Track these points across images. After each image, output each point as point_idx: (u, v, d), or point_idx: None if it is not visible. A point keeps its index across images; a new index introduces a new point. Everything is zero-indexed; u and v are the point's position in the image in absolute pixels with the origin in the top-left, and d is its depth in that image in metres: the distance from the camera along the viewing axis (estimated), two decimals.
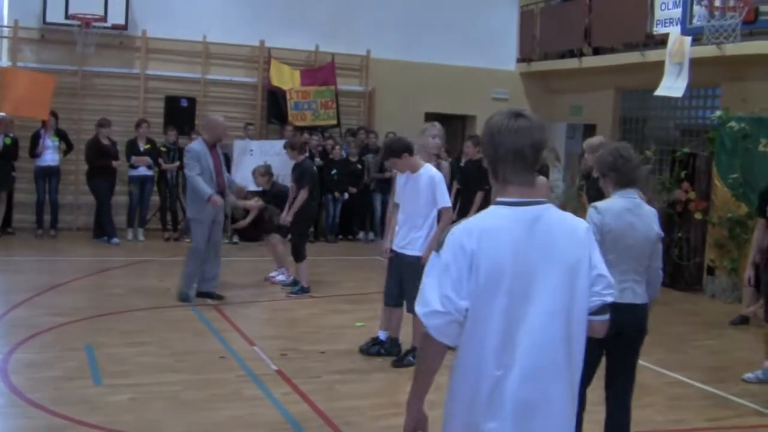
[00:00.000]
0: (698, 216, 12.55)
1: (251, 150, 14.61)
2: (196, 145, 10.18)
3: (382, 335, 8.21)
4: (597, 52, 16.21)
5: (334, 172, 15.68)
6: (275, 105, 16.24)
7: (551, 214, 3.06)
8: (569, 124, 18.06)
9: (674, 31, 13.15)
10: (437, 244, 3.02)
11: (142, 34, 15.58)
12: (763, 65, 12.35)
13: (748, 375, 7.97)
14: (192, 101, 15.70)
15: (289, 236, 11.19)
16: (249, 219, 13.67)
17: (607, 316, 3.18)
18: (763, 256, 8.44)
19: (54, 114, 14.20)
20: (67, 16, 14.62)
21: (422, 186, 7.68)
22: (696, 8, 12.64)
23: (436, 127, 8.86)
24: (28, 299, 9.70)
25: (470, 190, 11.31)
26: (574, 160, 16.47)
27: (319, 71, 16.56)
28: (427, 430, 3.20)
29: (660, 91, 13.13)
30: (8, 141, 13.87)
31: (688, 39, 12.72)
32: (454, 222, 3.38)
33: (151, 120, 15.03)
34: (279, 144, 14.37)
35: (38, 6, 14.73)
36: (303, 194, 10.70)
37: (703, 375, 8.08)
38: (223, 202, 10.16)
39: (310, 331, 9.12)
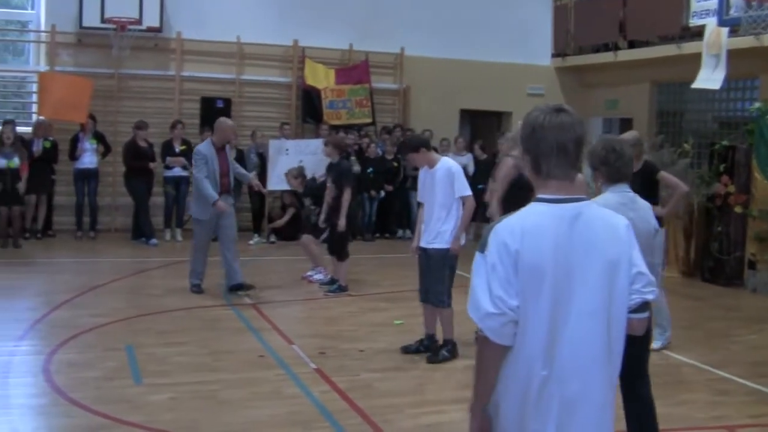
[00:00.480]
0: (738, 209, 12.41)
1: (287, 149, 14.66)
2: (203, 147, 10.44)
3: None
4: (632, 45, 16.06)
5: (370, 170, 15.70)
6: (310, 104, 16.27)
7: (591, 211, 3.05)
8: (605, 119, 17.91)
9: (711, 23, 12.99)
10: (479, 245, 3.00)
11: (176, 36, 15.69)
12: None
13: None
14: (227, 102, 15.79)
15: (322, 236, 11.21)
16: (286, 218, 13.76)
17: (647, 314, 3.16)
18: None
19: (92, 117, 14.36)
20: (102, 20, 14.75)
21: (439, 179, 7.77)
22: None
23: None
24: (69, 300, 9.82)
25: None
26: None
27: (354, 70, 16.58)
28: None
29: (697, 84, 12.98)
30: (48, 144, 14.04)
31: (725, 30, 12.56)
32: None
33: (187, 121, 15.15)
34: (314, 143, 14.40)
35: (75, 10, 14.87)
36: (347, 195, 10.68)
37: (744, 370, 7.97)
38: (229, 207, 10.37)
39: (348, 329, 9.14)
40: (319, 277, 11.48)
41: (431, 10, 17.00)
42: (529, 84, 17.67)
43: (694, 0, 13.92)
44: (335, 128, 15.64)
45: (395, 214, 16.38)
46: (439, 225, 7.75)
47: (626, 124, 16.78)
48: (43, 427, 6.14)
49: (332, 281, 11.07)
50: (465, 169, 15.02)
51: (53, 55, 15.12)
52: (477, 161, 15.95)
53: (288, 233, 14.49)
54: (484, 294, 2.92)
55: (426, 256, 7.91)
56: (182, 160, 14.47)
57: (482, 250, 2.97)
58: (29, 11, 15.95)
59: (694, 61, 13.01)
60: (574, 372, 2.94)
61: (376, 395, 6.88)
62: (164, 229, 14.79)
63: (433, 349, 8.01)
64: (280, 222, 14.36)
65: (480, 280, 2.95)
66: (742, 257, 12.59)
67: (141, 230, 14.39)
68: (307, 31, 16.18)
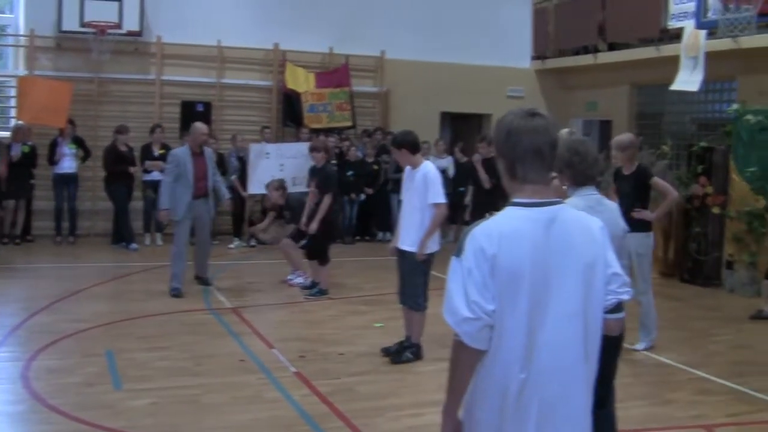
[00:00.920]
0: (716, 210, 12.49)
1: (267, 153, 14.63)
2: (178, 150, 10.94)
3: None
4: (612, 47, 16.14)
5: (350, 173, 15.69)
6: (290, 108, 16.27)
7: (567, 214, 3.06)
8: (585, 121, 18.00)
9: (689, 25, 13.07)
10: (456, 249, 3.00)
11: (156, 40, 15.65)
12: None
13: None
14: (208, 106, 15.78)
15: (302, 241, 11.21)
16: (267, 222, 13.72)
17: (622, 314, 3.19)
18: None
19: (71, 121, 14.30)
20: (82, 24, 14.71)
21: (418, 182, 7.77)
22: (710, 1, 12.54)
23: (613, 140, 8.36)
24: (49, 306, 9.77)
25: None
26: None
27: (334, 73, 16.59)
28: None
29: (676, 86, 13.07)
30: (26, 149, 13.98)
31: (703, 32, 12.64)
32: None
33: (168, 125, 15.11)
34: (295, 147, 14.40)
35: (54, 14, 14.82)
36: (327, 200, 10.68)
37: (723, 370, 8.04)
38: (167, 220, 10.95)
39: (328, 332, 9.14)
40: (299, 280, 11.48)
41: (411, 12, 17.04)
42: (509, 86, 17.75)
43: (673, 3, 14.00)
44: (316, 132, 15.63)
45: (376, 216, 16.39)
46: (413, 229, 7.76)
47: (606, 126, 16.89)
48: None
49: (313, 284, 11.07)
50: (445, 171, 15.21)
51: (32, 60, 15.06)
52: (458, 164, 15.98)
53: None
54: (460, 298, 2.92)
55: (402, 257, 7.95)
56: (161, 164, 14.34)
57: (458, 254, 2.97)
58: (8, 15, 15.87)
59: (673, 63, 13.10)
60: (552, 374, 2.95)
61: (356, 398, 6.89)
62: (144, 233, 14.74)
63: (399, 350, 8.05)
64: (261, 226, 14.32)
65: (456, 284, 2.95)
66: (720, 258, 12.67)
67: (121, 235, 14.34)
68: (288, 35, 16.19)
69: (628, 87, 16.16)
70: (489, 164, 11.12)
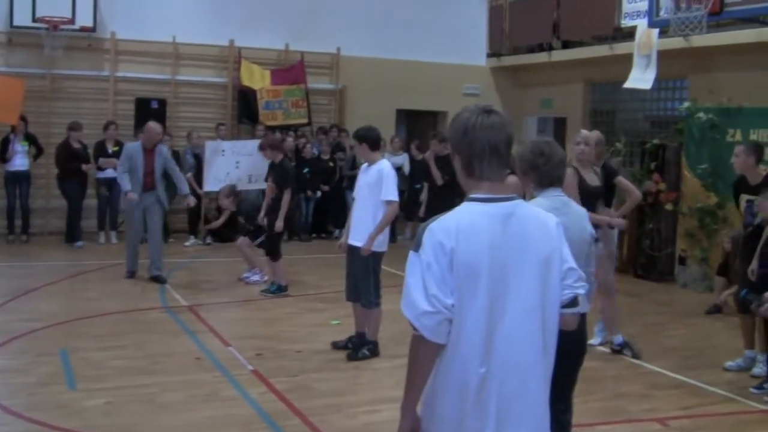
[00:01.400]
0: (669, 207, 12.68)
1: (223, 150, 14.53)
2: (131, 146, 11.50)
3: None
4: (566, 45, 16.29)
5: (306, 170, 15.66)
6: (246, 105, 16.20)
7: (523, 209, 3.09)
8: (540, 118, 18.15)
9: (641, 24, 13.26)
10: (414, 244, 3.01)
11: (110, 36, 15.48)
12: (729, 56, 12.46)
13: (730, 363, 8.08)
14: (162, 103, 15.63)
15: (258, 240, 11.18)
16: (222, 220, 13.70)
17: (578, 309, 3.21)
18: (734, 246, 8.53)
19: (23, 118, 14.07)
20: (34, 19, 14.48)
21: (372, 179, 7.81)
22: (662, 1, 12.73)
23: (581, 135, 8.16)
24: (2, 305, 9.63)
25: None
26: None
27: (290, 70, 16.53)
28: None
29: (629, 84, 13.25)
30: None
31: (656, 31, 12.83)
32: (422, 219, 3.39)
33: (122, 122, 14.95)
34: (251, 144, 14.31)
35: (5, 9, 14.59)
36: (287, 197, 10.62)
37: (675, 364, 8.18)
38: (137, 198, 11.07)
39: (285, 330, 9.13)
40: (255, 278, 11.45)
41: (367, 9, 17.02)
42: (465, 84, 17.80)
43: (626, 1, 14.18)
44: (271, 129, 15.58)
45: (331, 214, 16.37)
46: (366, 224, 7.78)
47: (561, 124, 17.04)
48: None
49: (273, 283, 11.00)
50: (401, 168, 15.24)
51: None
52: (413, 161, 16.02)
53: (224, 235, 14.44)
54: (419, 292, 2.93)
55: (352, 254, 7.96)
56: (115, 161, 14.23)
57: (417, 249, 2.99)
58: None
59: (626, 61, 13.26)
60: (512, 368, 2.98)
61: (313, 396, 6.89)
62: (98, 231, 14.58)
63: (355, 347, 8.07)
64: (217, 223, 14.27)
65: (415, 278, 2.96)
66: (673, 253, 12.86)
67: (73, 233, 14.18)
68: (243, 32, 16.09)
69: (583, 84, 16.31)
70: (442, 161, 11.19)
